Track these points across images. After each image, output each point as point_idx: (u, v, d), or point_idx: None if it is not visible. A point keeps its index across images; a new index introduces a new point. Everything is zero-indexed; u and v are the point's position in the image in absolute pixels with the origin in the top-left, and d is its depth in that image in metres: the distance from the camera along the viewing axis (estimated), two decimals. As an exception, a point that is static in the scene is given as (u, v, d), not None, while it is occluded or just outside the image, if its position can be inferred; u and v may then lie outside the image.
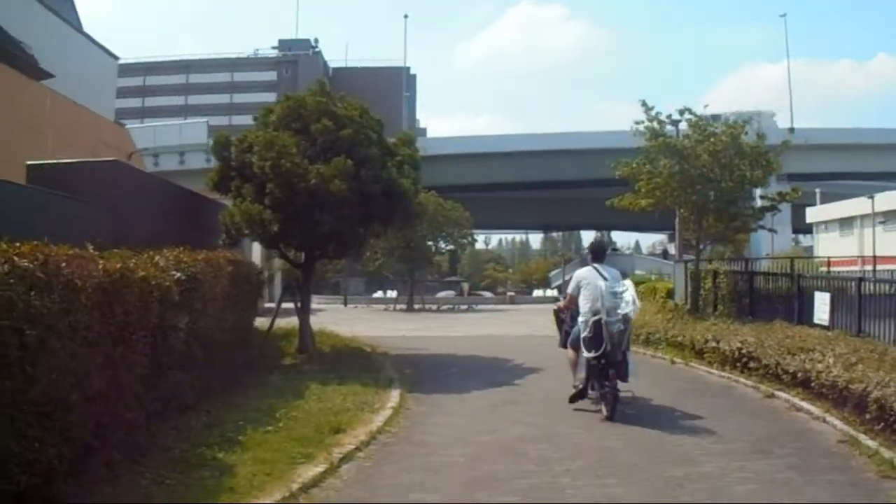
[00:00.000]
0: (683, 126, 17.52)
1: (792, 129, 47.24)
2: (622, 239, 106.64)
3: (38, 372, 4.79)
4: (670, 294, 19.09)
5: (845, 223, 46.20)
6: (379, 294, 47.37)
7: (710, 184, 16.19)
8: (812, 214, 49.41)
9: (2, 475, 4.52)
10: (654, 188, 16.70)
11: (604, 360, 8.58)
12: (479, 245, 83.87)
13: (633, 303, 8.61)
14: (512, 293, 50.81)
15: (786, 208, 20.84)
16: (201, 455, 6.42)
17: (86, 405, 5.41)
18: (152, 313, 6.67)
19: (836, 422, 7.85)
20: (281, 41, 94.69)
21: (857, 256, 36.07)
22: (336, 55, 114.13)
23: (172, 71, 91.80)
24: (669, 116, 17.32)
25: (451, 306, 40.08)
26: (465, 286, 52.36)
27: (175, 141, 47.92)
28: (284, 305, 14.33)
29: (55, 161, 11.20)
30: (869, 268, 29.29)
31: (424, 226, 32.45)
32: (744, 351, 11.18)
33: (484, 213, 50.85)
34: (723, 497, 5.71)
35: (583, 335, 8.80)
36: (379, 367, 12.68)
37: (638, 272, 49.69)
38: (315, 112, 12.87)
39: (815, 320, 11.94)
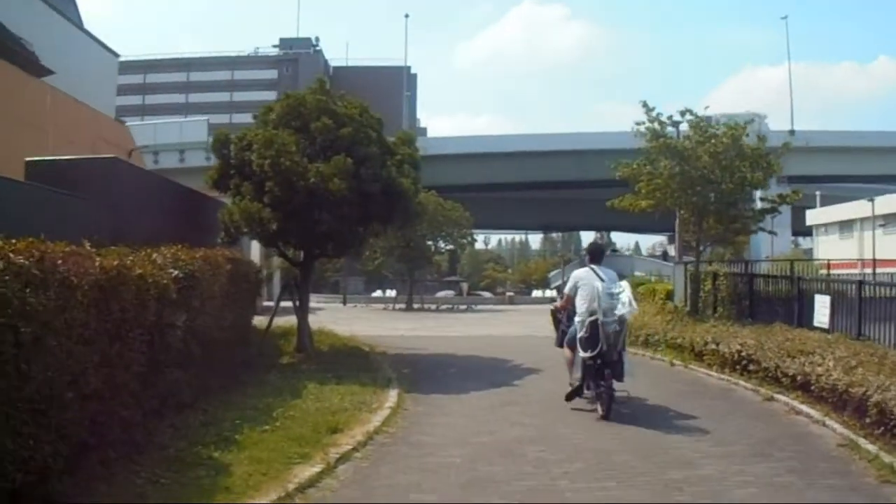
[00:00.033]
0: (684, 127, 17.49)
1: (792, 132, 47.14)
2: (622, 240, 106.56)
3: (34, 369, 4.76)
4: (670, 296, 19.05)
5: (845, 226, 46.16)
6: (378, 293, 47.33)
7: (710, 185, 16.19)
8: (812, 217, 49.37)
9: (-4, 473, 4.49)
10: (654, 189, 16.69)
11: (600, 360, 8.66)
12: (479, 245, 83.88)
13: (630, 304, 8.70)
14: (511, 293, 50.76)
15: (786, 211, 20.83)
16: (197, 454, 6.39)
17: (82, 403, 5.38)
18: (149, 311, 6.64)
19: (836, 425, 7.81)
20: (282, 40, 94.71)
21: (857, 259, 35.99)
22: (337, 54, 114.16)
23: (173, 69, 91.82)
24: (670, 117, 17.31)
25: (450, 306, 40.07)
26: (465, 286, 52.32)
27: (175, 139, 47.92)
28: (283, 304, 14.30)
29: (54, 158, 11.15)
30: (869, 271, 29.23)
31: (424, 225, 32.42)
32: (743, 353, 11.14)
33: (484, 213, 50.84)
34: (723, 501, 5.67)
35: (579, 335, 8.89)
36: (377, 366, 12.65)
37: (637, 273, 49.60)
38: (315, 110, 12.83)
39: (815, 323, 11.92)
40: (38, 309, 4.74)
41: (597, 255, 9.79)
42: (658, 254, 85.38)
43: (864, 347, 9.48)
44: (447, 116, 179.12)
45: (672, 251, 46.66)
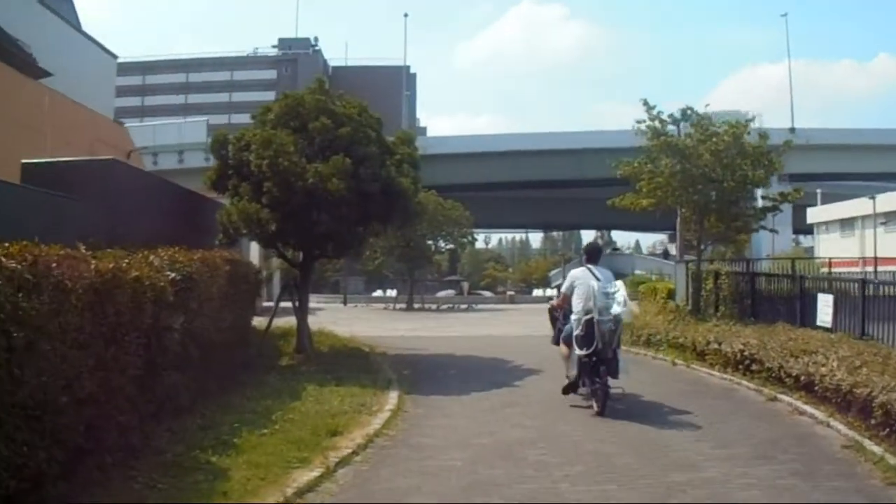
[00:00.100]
0: (685, 126, 17.42)
1: (793, 129, 47.03)
2: (622, 239, 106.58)
3: (27, 374, 4.70)
4: (671, 294, 19.01)
5: (846, 224, 46.12)
6: (378, 293, 47.30)
7: (711, 184, 16.13)
8: (813, 215, 49.31)
9: (-11, 479, 4.42)
10: (655, 188, 16.63)
11: (595, 358, 8.87)
12: (479, 244, 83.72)
13: (625, 303, 9.00)
14: (512, 292, 50.72)
15: (786, 209, 20.75)
16: (195, 458, 6.32)
17: (77, 407, 5.32)
18: (146, 314, 6.58)
19: (840, 426, 7.73)
20: (281, 40, 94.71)
21: (859, 257, 35.94)
22: (336, 54, 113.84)
23: (172, 69, 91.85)
24: (671, 116, 17.23)
25: (450, 305, 40.01)
26: (465, 285, 52.30)
27: (174, 140, 47.76)
28: (283, 304, 14.24)
29: (51, 160, 11.09)
30: (870, 269, 29.19)
31: (424, 225, 32.36)
32: (746, 353, 11.06)
33: (484, 212, 50.78)
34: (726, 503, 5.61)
35: (575, 333, 9.10)
36: (377, 367, 12.58)
37: (638, 272, 49.65)
38: (313, 110, 12.76)
39: (818, 322, 11.86)
40: (30, 313, 4.68)
41: (593, 255, 10.02)
42: (659, 252, 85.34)
43: (868, 347, 9.43)
44: (447, 116, 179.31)
45: (673, 250, 46.60)
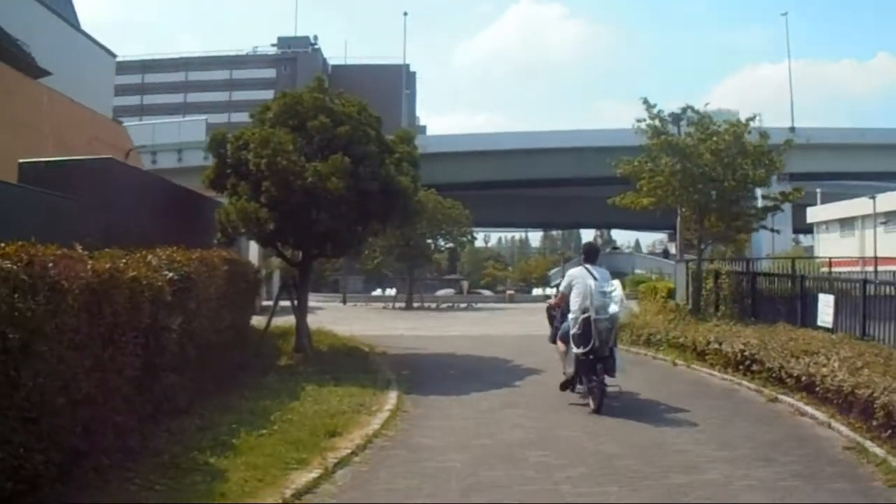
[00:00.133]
0: (685, 125, 17.38)
1: (793, 129, 47.01)
2: (622, 238, 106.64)
3: (23, 376, 4.67)
4: (671, 294, 18.98)
5: (846, 223, 46.14)
6: (378, 292, 47.23)
7: (712, 183, 16.08)
8: (813, 214, 49.33)
9: (-14, 482, 4.39)
10: (655, 187, 16.59)
11: (592, 356, 9.00)
12: (479, 243, 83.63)
13: (621, 302, 9.22)
14: (511, 291, 50.62)
15: (786, 208, 20.71)
16: (193, 459, 6.27)
17: (74, 409, 5.29)
18: (143, 314, 6.54)
19: (842, 427, 7.70)
20: (280, 38, 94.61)
21: (858, 257, 35.92)
22: (335, 52, 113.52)
23: (171, 68, 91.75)
24: (672, 114, 17.18)
25: (450, 304, 39.97)
26: (465, 284, 52.19)
27: (173, 138, 47.72)
28: (282, 303, 14.19)
29: (48, 159, 11.04)
30: (870, 269, 29.17)
31: (424, 224, 32.30)
32: (747, 353, 11.01)
33: (483, 211, 50.71)
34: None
35: (572, 331, 9.24)
36: (376, 367, 12.54)
37: (638, 271, 49.69)
38: (312, 109, 12.71)
39: (819, 322, 11.83)
40: (26, 314, 4.65)
41: (591, 254, 10.19)
42: (658, 251, 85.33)
43: (869, 348, 9.39)
44: (446, 114, 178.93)
45: (672, 249, 46.58)
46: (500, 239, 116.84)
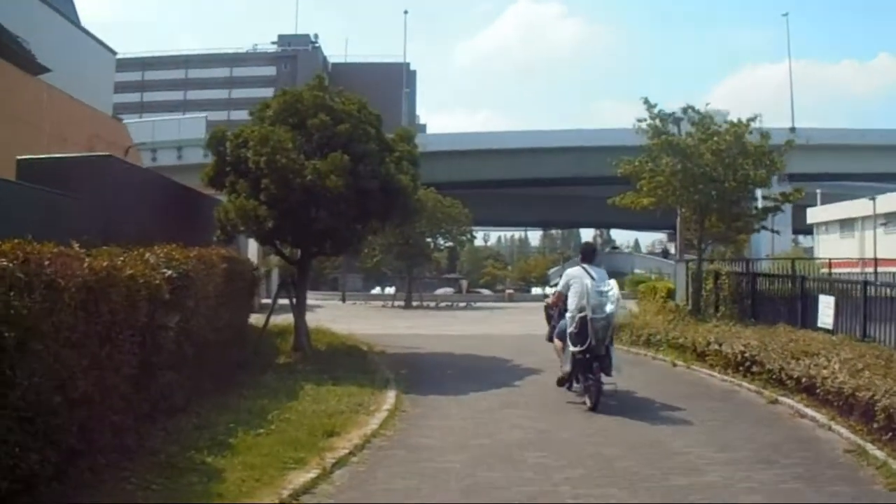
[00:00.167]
0: (686, 123, 17.34)
1: (793, 129, 46.97)
2: (622, 237, 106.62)
3: (19, 375, 4.62)
4: (671, 294, 18.97)
5: (846, 224, 46.06)
6: (377, 290, 47.17)
7: (712, 183, 16.04)
8: (812, 215, 49.26)
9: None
10: (656, 187, 16.56)
11: (588, 355, 9.13)
12: (478, 242, 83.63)
13: (617, 301, 9.39)
14: (510, 291, 50.57)
15: (786, 208, 20.69)
16: (190, 459, 6.23)
17: (70, 408, 5.24)
18: (141, 312, 6.49)
19: (843, 430, 7.66)
20: (280, 36, 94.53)
21: (858, 258, 35.86)
22: (336, 51, 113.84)
23: (171, 66, 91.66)
24: (672, 114, 17.14)
25: (449, 303, 39.89)
26: (464, 283, 52.10)
27: (173, 136, 47.73)
28: (281, 302, 14.15)
29: (46, 156, 10.99)
30: (869, 270, 29.10)
31: (423, 222, 32.24)
32: (747, 354, 10.96)
33: (483, 209, 50.63)
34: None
35: (569, 330, 9.39)
36: (375, 366, 12.50)
37: (637, 271, 49.67)
38: (312, 107, 12.66)
39: (819, 324, 11.80)
40: (22, 312, 4.60)
41: (588, 254, 10.31)
42: (658, 251, 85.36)
43: (870, 349, 9.36)
44: (446, 113, 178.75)
45: (672, 249, 46.55)
46: (499, 238, 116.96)
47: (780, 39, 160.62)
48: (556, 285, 11.41)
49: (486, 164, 53.51)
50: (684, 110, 17.20)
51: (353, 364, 12.38)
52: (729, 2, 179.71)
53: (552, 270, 69.29)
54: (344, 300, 40.20)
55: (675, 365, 13.03)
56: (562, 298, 9.94)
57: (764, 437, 7.75)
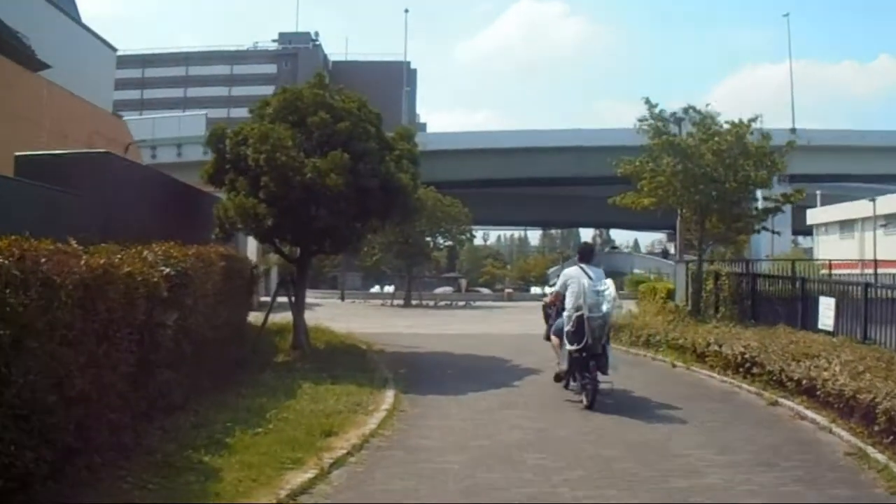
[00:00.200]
0: (687, 123, 17.31)
1: (793, 130, 46.94)
2: (621, 237, 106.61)
3: (14, 373, 4.59)
4: (670, 294, 18.94)
5: (846, 226, 45.96)
6: (376, 289, 47.13)
7: (713, 184, 16.01)
8: (812, 216, 49.17)
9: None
10: (656, 187, 16.52)
11: (585, 353, 9.23)
12: (478, 241, 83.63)
13: (613, 301, 9.48)
14: (510, 290, 50.52)
15: (786, 209, 20.65)
16: (187, 458, 6.20)
17: (66, 406, 5.20)
18: (139, 310, 6.45)
19: (843, 433, 7.62)
20: (281, 34, 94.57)
21: (858, 260, 35.82)
22: (336, 49, 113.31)
23: (171, 63, 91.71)
24: (673, 114, 17.11)
25: (448, 302, 39.85)
26: (463, 282, 52.03)
27: (173, 133, 47.66)
28: (280, 300, 14.12)
29: (45, 152, 10.95)
30: (869, 271, 29.07)
31: (423, 221, 32.17)
32: (747, 356, 10.92)
33: (483, 209, 50.57)
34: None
35: (566, 329, 9.48)
36: (374, 365, 12.45)
37: (637, 271, 49.62)
38: (312, 105, 12.62)
39: (820, 325, 11.77)
40: (17, 310, 4.56)
41: (586, 254, 10.45)
42: (657, 251, 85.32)
43: (871, 351, 9.32)
44: (446, 112, 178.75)
45: (672, 249, 46.51)
46: (499, 237, 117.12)
47: (781, 39, 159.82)
48: (554, 285, 11.42)
49: (487, 163, 53.46)
50: (685, 110, 17.17)
51: (352, 363, 12.34)
52: (729, 2, 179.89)
53: (551, 270, 69.26)
54: (343, 299, 40.15)
55: (674, 366, 12.99)
56: (559, 298, 10.05)
57: (764, 439, 7.71)
